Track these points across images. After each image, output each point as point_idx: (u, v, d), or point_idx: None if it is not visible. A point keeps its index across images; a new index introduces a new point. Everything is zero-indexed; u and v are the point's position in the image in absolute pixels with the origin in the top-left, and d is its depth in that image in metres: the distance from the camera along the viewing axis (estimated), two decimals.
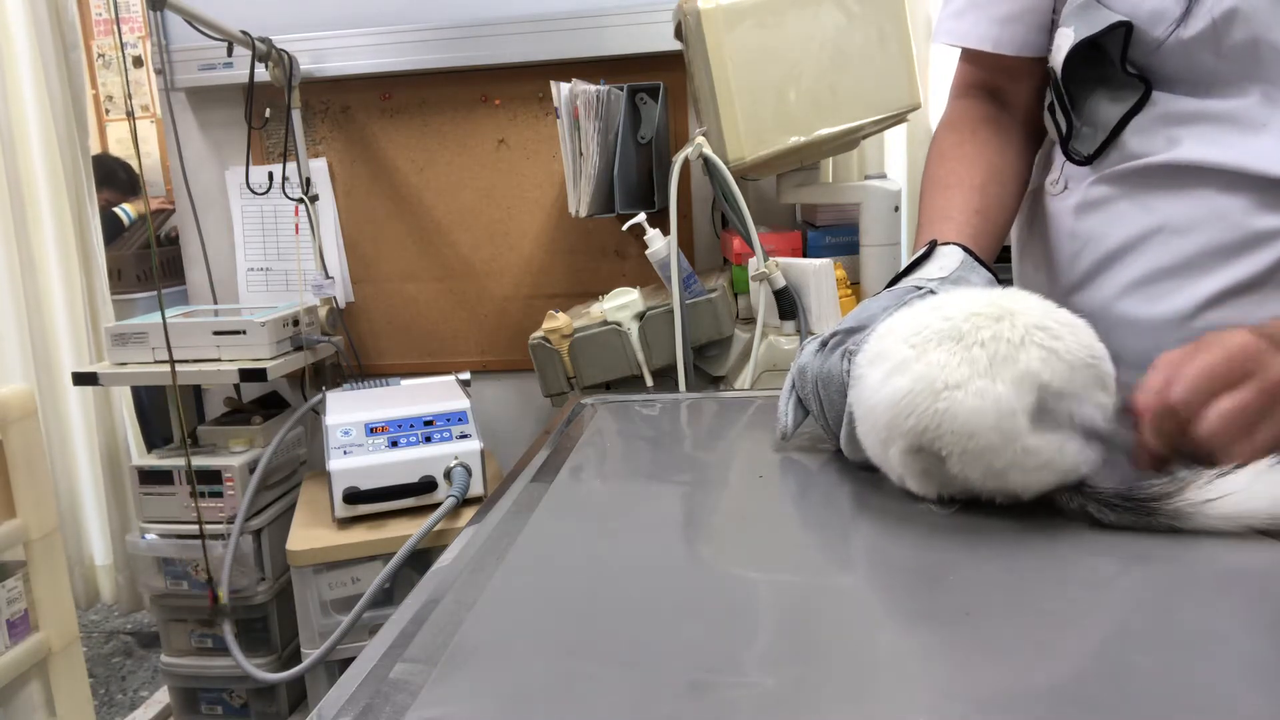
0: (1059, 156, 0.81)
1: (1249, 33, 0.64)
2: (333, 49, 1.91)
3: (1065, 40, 0.74)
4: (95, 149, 3.59)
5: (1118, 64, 0.71)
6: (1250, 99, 0.65)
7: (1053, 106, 0.79)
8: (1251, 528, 0.51)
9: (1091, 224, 0.76)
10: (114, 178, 2.71)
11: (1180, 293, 0.69)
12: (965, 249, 0.72)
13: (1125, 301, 0.73)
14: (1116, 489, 0.55)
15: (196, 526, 1.66)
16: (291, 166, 1.90)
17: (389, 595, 1.46)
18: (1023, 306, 0.58)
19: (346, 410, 1.58)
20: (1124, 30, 0.69)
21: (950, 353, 0.56)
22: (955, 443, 0.55)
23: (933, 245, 0.72)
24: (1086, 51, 0.72)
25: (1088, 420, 0.55)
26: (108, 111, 4.12)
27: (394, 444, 1.51)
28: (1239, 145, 0.66)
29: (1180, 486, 0.53)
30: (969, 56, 0.87)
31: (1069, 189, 0.79)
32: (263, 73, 1.79)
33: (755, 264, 1.48)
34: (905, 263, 0.74)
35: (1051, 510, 0.57)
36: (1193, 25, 0.66)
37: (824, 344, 0.70)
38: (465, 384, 1.74)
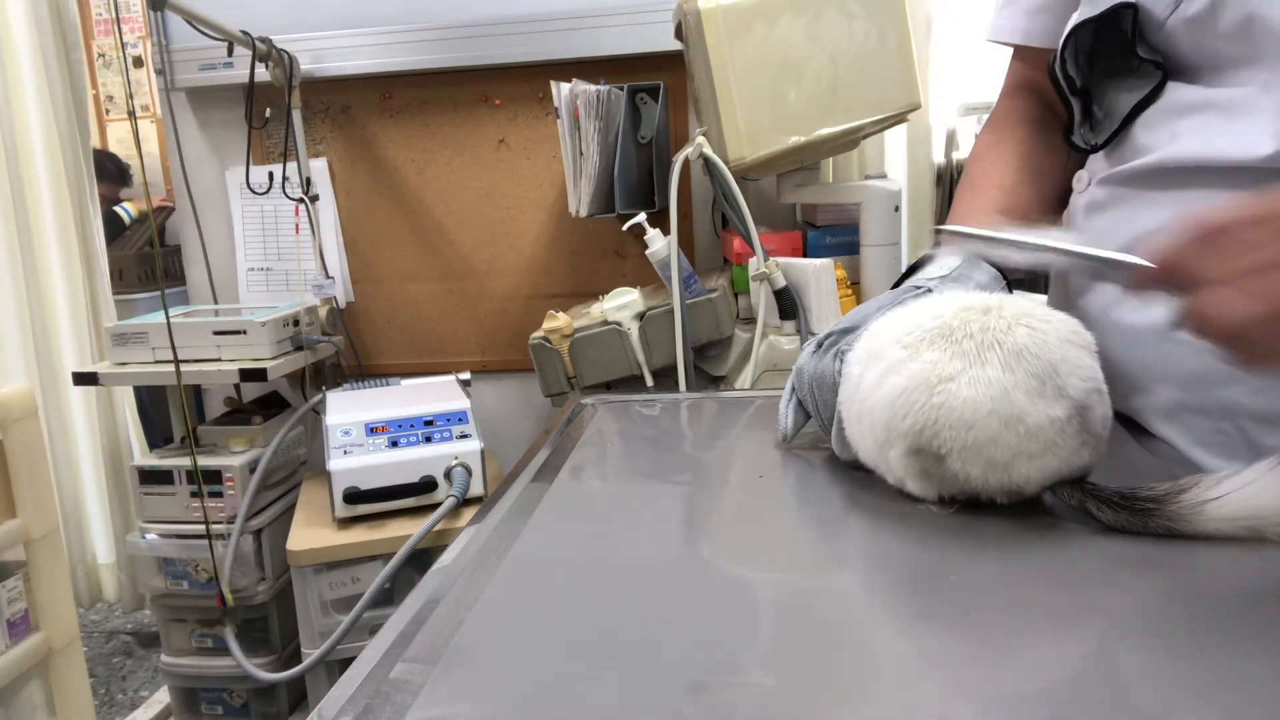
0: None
1: (1243, 9, 0.62)
2: (333, 49, 1.91)
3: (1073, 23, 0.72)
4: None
5: (1131, 49, 0.69)
6: (1250, 87, 0.64)
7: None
8: (1249, 530, 0.51)
9: (1096, 225, 0.74)
10: (103, 169, 2.71)
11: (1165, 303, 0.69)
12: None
13: (1117, 309, 0.72)
14: (1117, 488, 0.55)
15: (196, 526, 1.66)
16: (292, 166, 1.90)
17: (389, 595, 1.46)
18: (1010, 301, 0.58)
19: (346, 410, 1.58)
20: (1131, 12, 0.68)
21: (942, 350, 0.57)
22: (954, 437, 0.55)
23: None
24: (1109, 39, 0.71)
25: (1080, 389, 0.55)
26: (108, 111, 4.12)
27: (394, 444, 1.51)
28: (1229, 135, 0.64)
29: (1180, 489, 0.53)
30: (1015, 53, 0.85)
31: (1084, 187, 0.77)
32: (263, 73, 1.79)
33: (755, 264, 1.48)
34: (905, 263, 0.75)
35: (1051, 511, 0.57)
36: (1194, 2, 0.64)
37: (820, 345, 0.70)
38: (465, 384, 1.74)
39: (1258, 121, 0.62)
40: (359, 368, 2.08)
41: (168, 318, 1.56)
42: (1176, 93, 0.68)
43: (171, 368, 1.67)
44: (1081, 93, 0.74)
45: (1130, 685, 0.40)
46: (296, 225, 2.00)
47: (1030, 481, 0.56)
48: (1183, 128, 0.67)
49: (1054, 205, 0.82)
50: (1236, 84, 0.65)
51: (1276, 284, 0.46)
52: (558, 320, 1.56)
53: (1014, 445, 0.55)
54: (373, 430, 1.53)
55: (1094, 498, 0.55)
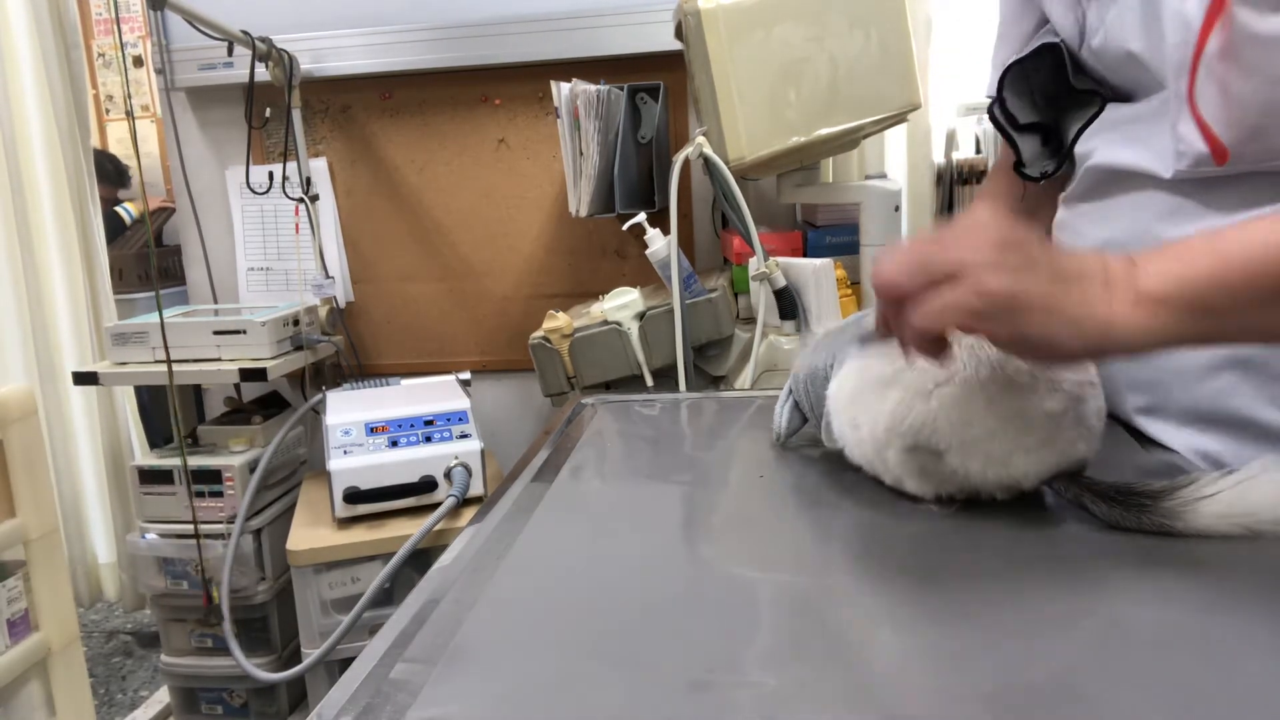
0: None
1: (1122, 46, 0.68)
2: (333, 49, 1.91)
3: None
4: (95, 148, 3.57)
5: (1067, 81, 0.75)
6: (1153, 103, 0.68)
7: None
8: (1242, 528, 0.52)
9: (1066, 244, 0.79)
10: (101, 171, 2.71)
11: None
12: None
13: None
14: (1113, 483, 0.55)
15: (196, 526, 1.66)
16: (291, 166, 1.90)
17: (389, 595, 1.46)
18: None
19: (346, 410, 1.58)
20: (1056, 49, 0.74)
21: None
22: (952, 434, 0.56)
23: None
24: (1064, 78, 0.76)
25: (1073, 382, 0.56)
26: (108, 111, 4.12)
27: (394, 444, 1.51)
28: (1143, 146, 0.68)
29: (1175, 486, 0.53)
30: None
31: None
32: (263, 72, 1.79)
33: (755, 264, 1.48)
34: None
35: (1050, 510, 0.58)
36: (1096, 38, 0.70)
37: (815, 345, 0.72)
38: (465, 384, 1.74)
39: (1162, 140, 0.66)
40: (359, 368, 2.08)
41: (161, 318, 1.56)
42: (1109, 111, 0.74)
43: (168, 368, 1.67)
44: (1037, 127, 0.80)
45: (1130, 684, 0.40)
46: (296, 225, 2.00)
47: (1028, 476, 0.56)
48: (1112, 137, 0.72)
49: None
50: (1149, 101, 0.69)
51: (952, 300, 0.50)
52: (558, 320, 1.56)
53: (1012, 439, 0.55)
54: (373, 430, 1.53)
55: (1090, 492, 0.55)
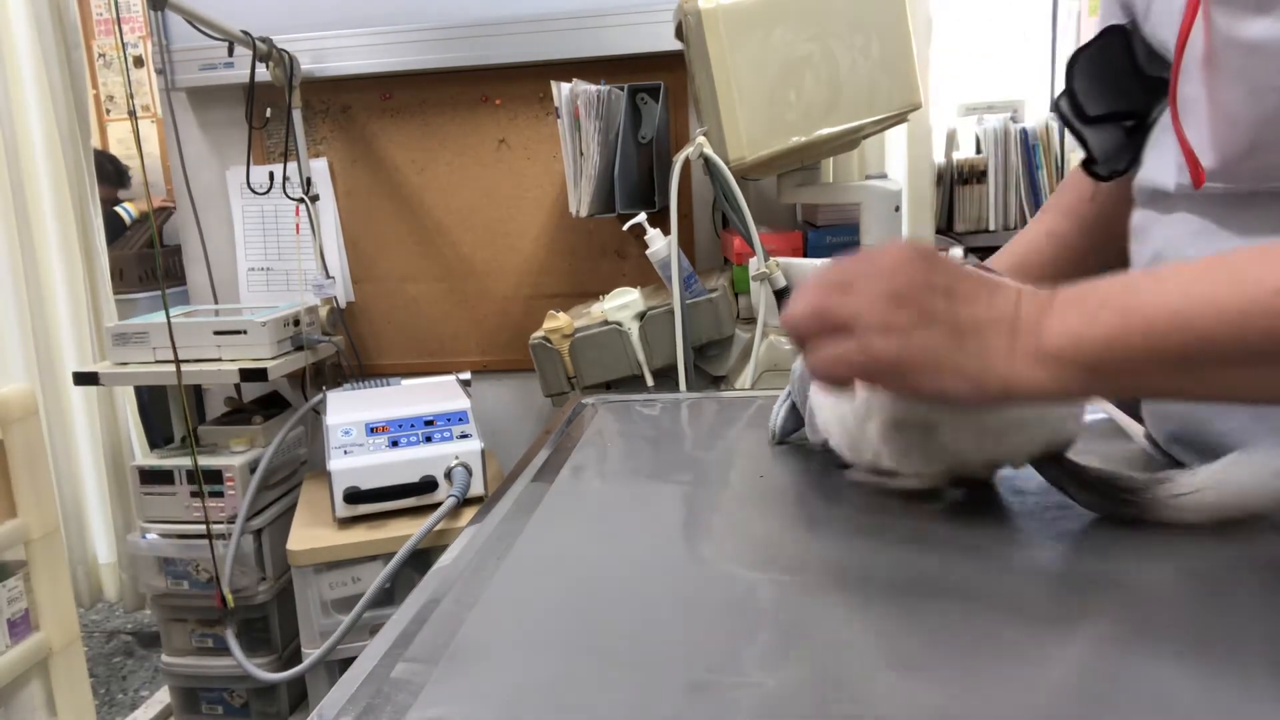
0: None
1: (1157, 36, 0.63)
2: (333, 49, 1.92)
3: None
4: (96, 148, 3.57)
5: (1138, 69, 0.68)
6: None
7: None
8: (1218, 519, 0.52)
9: (1133, 252, 0.73)
10: (101, 171, 2.71)
11: None
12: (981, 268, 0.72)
13: None
14: (1097, 470, 0.56)
15: (197, 526, 1.66)
16: (292, 166, 1.90)
17: (389, 595, 1.46)
18: None
19: (347, 410, 1.58)
20: (1125, 32, 0.68)
21: None
22: (948, 407, 0.56)
23: None
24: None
25: None
26: (108, 111, 4.12)
27: (394, 444, 1.51)
28: (1156, 156, 0.64)
29: (1155, 482, 0.54)
30: None
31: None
32: (263, 73, 1.80)
33: (756, 264, 1.49)
34: None
35: (1050, 511, 0.58)
36: (1148, 23, 0.64)
37: None
38: (465, 384, 1.75)
39: (1172, 152, 0.61)
40: (359, 368, 2.08)
41: (168, 317, 1.56)
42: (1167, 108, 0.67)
43: (172, 368, 1.67)
44: (1114, 118, 0.72)
45: (1130, 685, 0.40)
46: (297, 225, 2.00)
47: (1019, 453, 0.57)
48: (1153, 139, 0.67)
49: (1076, 259, 0.82)
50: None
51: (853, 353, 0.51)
52: (558, 320, 1.56)
53: (1007, 415, 0.55)
54: (373, 430, 1.53)
55: (1071, 474, 0.56)
